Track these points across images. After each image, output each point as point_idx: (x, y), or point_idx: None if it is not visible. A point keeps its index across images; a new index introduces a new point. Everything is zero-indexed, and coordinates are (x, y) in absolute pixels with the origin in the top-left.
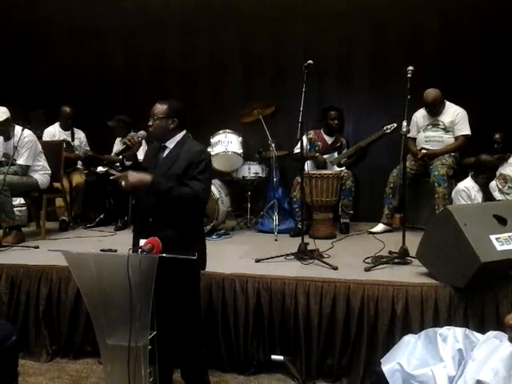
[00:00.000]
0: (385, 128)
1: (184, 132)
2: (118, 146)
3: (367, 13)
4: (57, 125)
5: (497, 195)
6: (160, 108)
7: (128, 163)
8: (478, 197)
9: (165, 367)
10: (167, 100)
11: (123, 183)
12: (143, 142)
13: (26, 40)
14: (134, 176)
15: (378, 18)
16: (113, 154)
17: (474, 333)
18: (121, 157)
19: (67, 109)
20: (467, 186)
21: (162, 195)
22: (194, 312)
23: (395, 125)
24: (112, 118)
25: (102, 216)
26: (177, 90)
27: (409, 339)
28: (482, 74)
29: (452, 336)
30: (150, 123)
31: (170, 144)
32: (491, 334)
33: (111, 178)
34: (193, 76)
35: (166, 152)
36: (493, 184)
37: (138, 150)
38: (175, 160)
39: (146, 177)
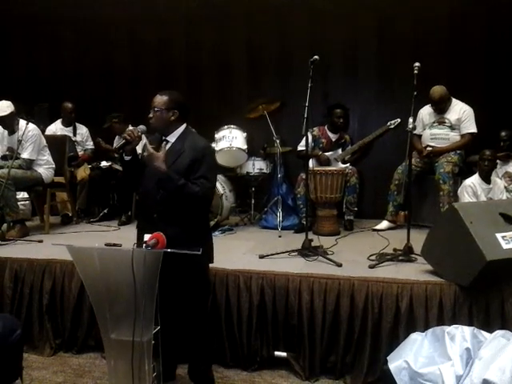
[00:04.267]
0: (388, 123)
1: (185, 125)
2: (117, 142)
3: (374, 8)
4: (58, 122)
5: (503, 197)
6: (160, 99)
7: (127, 158)
8: (484, 194)
9: (169, 362)
10: (168, 91)
11: (146, 155)
12: (143, 136)
13: (30, 33)
14: (157, 159)
15: (384, 14)
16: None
17: (482, 332)
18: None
19: (69, 104)
20: (474, 183)
21: (173, 190)
22: (202, 308)
23: (399, 120)
24: (106, 120)
25: (105, 211)
26: (182, 85)
27: (416, 337)
28: (489, 71)
29: (460, 335)
30: (151, 115)
31: (172, 138)
32: (498, 333)
33: (146, 151)
34: (198, 71)
35: (168, 146)
36: (501, 186)
37: (137, 144)
38: (179, 155)
39: (162, 166)
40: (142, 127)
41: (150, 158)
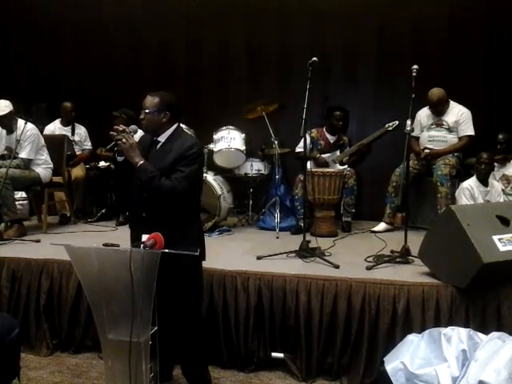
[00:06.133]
0: (387, 126)
1: (176, 125)
2: None
3: (374, 9)
4: (57, 121)
5: (500, 199)
6: (151, 101)
7: (120, 158)
8: (481, 197)
9: (165, 363)
10: (158, 92)
11: (120, 144)
12: (139, 133)
13: (30, 33)
14: (131, 149)
15: (384, 15)
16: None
17: (478, 333)
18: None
19: (68, 104)
20: (471, 185)
21: (144, 183)
22: (194, 308)
23: (397, 122)
24: (118, 109)
25: (103, 211)
26: (182, 85)
27: (412, 338)
28: (488, 73)
29: (456, 336)
30: (142, 117)
31: (162, 138)
32: (494, 334)
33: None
34: (198, 71)
35: (158, 146)
36: (498, 188)
37: None
38: (166, 154)
39: (136, 157)
40: (133, 127)
41: (122, 149)
